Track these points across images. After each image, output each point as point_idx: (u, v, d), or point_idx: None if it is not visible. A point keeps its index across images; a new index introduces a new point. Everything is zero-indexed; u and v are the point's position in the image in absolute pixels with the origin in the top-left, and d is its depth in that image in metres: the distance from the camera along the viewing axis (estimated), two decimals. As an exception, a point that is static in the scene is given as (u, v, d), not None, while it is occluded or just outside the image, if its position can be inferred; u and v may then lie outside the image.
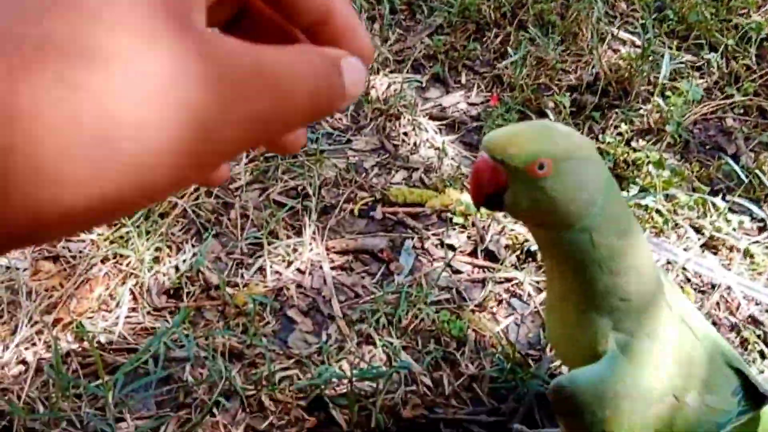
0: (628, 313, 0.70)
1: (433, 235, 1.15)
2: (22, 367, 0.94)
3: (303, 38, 0.31)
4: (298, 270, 1.09)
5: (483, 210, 1.15)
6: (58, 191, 0.22)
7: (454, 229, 1.16)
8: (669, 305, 0.72)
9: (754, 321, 1.03)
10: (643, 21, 1.42)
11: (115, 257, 1.07)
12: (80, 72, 0.22)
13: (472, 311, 1.04)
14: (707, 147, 1.27)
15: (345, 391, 0.94)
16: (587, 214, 0.65)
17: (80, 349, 0.97)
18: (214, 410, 0.91)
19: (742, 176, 1.18)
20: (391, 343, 1.01)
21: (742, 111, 1.32)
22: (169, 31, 0.24)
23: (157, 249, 1.07)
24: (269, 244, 1.10)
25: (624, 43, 1.39)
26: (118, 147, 0.22)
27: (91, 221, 0.23)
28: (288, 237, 1.12)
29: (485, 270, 1.11)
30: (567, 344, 0.78)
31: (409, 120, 1.30)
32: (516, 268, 1.10)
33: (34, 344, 0.97)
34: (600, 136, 1.25)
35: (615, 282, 0.68)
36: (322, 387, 0.95)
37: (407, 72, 1.39)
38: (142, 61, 0.23)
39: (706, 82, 1.36)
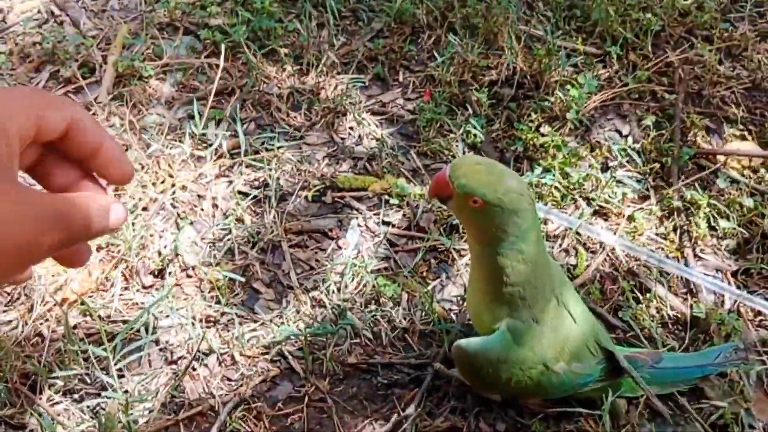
0: (521, 307, 0.95)
1: (375, 214, 1.37)
2: (38, 339, 1.17)
3: (87, 177, 0.47)
4: (262, 249, 1.31)
5: (416, 191, 1.38)
6: None
7: (392, 208, 1.38)
8: (557, 299, 0.98)
9: (632, 273, 1.27)
10: (555, 19, 1.63)
11: (107, 246, 1.29)
12: None
13: (406, 276, 1.27)
14: (605, 129, 1.50)
15: (301, 345, 1.18)
16: (500, 245, 0.91)
17: (84, 322, 1.19)
18: (195, 365, 1.14)
19: (629, 154, 1.41)
20: (339, 306, 1.24)
21: (636, 96, 1.54)
22: (4, 188, 0.38)
23: (143, 237, 1.29)
24: (237, 228, 1.32)
25: (538, 40, 1.61)
26: None
27: None
28: (252, 222, 1.34)
29: (417, 241, 1.34)
30: (476, 319, 1.05)
31: (354, 116, 1.51)
32: (442, 235, 1.33)
33: (47, 320, 1.19)
34: (515, 124, 1.48)
35: (513, 290, 0.94)
36: (283, 343, 1.18)
37: (352, 73, 1.60)
38: None
39: (608, 71, 1.58)
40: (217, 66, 1.59)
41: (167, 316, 1.18)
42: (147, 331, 1.16)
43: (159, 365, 1.15)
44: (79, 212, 0.42)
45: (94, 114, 1.51)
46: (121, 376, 1.12)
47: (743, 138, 1.46)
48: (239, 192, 1.38)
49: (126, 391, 1.10)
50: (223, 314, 1.21)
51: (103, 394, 1.10)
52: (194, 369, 1.14)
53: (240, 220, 1.34)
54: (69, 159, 0.46)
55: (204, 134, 1.45)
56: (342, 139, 1.49)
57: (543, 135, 1.44)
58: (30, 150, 0.44)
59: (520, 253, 0.91)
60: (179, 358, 1.16)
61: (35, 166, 0.46)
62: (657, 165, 1.42)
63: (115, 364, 1.12)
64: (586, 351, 1.01)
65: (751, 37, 1.64)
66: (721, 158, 1.43)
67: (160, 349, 1.17)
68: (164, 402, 1.10)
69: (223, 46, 1.57)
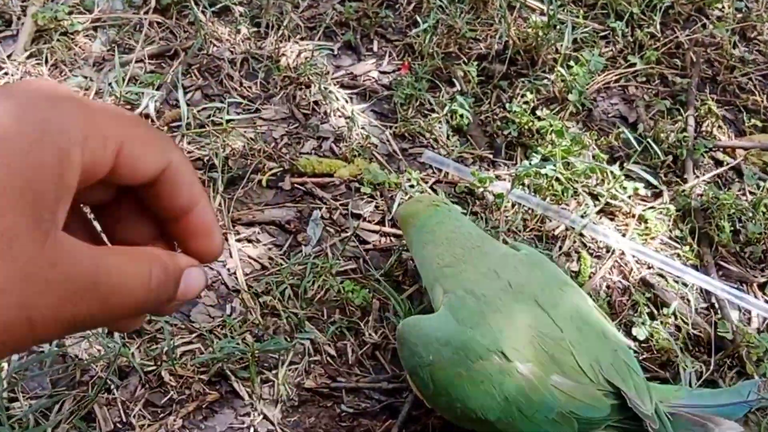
0: (447, 275, 0.86)
1: (342, 205, 1.15)
2: None
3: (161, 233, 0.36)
4: (203, 243, 1.08)
5: (391, 178, 1.17)
6: None
7: (363, 198, 1.16)
8: (510, 284, 0.82)
9: (645, 284, 1.08)
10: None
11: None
12: None
13: (377, 280, 1.06)
14: (609, 115, 1.30)
15: (247, 363, 0.95)
16: (412, 246, 0.97)
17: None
18: (112, 387, 0.90)
19: (638, 145, 1.21)
20: (296, 314, 1.01)
21: (644, 79, 1.35)
22: (28, 238, 0.27)
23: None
24: (173, 217, 1.08)
25: (533, 11, 1.40)
26: None
27: None
28: (193, 209, 1.11)
29: (392, 238, 1.12)
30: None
31: (319, 88, 1.29)
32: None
33: None
34: (507, 105, 1.27)
35: (432, 264, 0.90)
36: (225, 360, 0.95)
37: (319, 39, 1.38)
38: None
39: (611, 50, 1.38)
40: (159, 24, 1.35)
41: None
42: (50, 342, 0.92)
43: (64, 387, 0.91)
44: (125, 282, 0.30)
45: (5, 73, 1.25)
46: (12, 400, 0.88)
47: (765, 130, 1.28)
48: (178, 172, 1.14)
49: (18, 422, 0.86)
50: (149, 322, 0.97)
51: (-12, 424, 0.85)
52: (109, 392, 0.90)
53: (178, 206, 1.10)
54: (145, 211, 0.36)
55: (136, 101, 1.21)
56: (305, 114, 1.27)
57: (540, 119, 1.23)
58: (100, 189, 0.34)
59: (434, 247, 0.92)
60: (92, 377, 0.92)
61: (104, 207, 0.36)
62: (670, 157, 1.22)
63: (8, 384, 0.87)
64: (576, 368, 0.77)
65: (766, 18, 1.46)
66: (741, 152, 1.24)
67: (66, 367, 0.92)
68: (67, 436, 0.86)
69: (166, 1, 1.33)
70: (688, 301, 1.06)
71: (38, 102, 0.29)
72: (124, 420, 0.90)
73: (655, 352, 1.00)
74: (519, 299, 0.80)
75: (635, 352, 1.01)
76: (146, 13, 1.37)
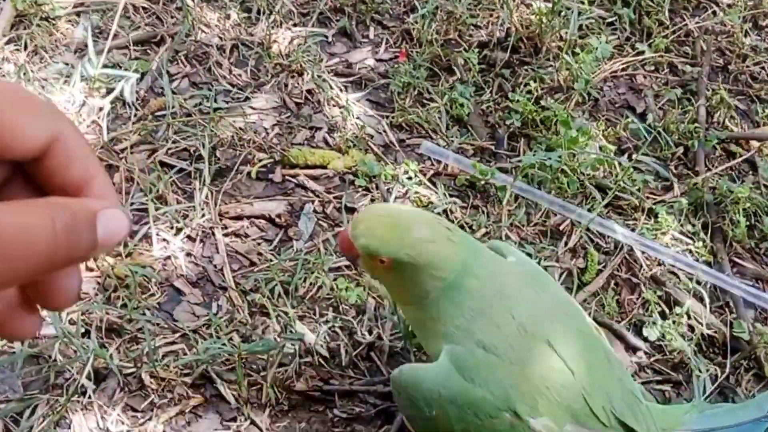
0: (458, 335, 0.73)
1: (335, 198, 1.09)
2: None
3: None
4: (188, 237, 1.02)
5: (387, 170, 1.11)
6: None
7: (357, 191, 1.11)
8: (523, 327, 0.72)
9: (656, 281, 1.02)
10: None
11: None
12: None
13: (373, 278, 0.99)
14: (616, 105, 1.24)
15: (234, 365, 0.89)
16: (428, 301, 0.73)
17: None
18: (88, 390, 0.84)
19: (648, 135, 1.16)
20: (286, 313, 0.95)
21: (653, 68, 1.30)
22: None
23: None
24: (156, 209, 1.03)
25: (536, -3, 1.35)
26: None
27: None
28: (178, 202, 1.05)
29: (388, 234, 1.06)
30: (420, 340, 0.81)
31: (312, 77, 1.23)
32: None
33: None
34: (510, 94, 1.21)
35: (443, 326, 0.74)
36: (210, 362, 0.89)
37: (312, 26, 1.32)
38: None
39: (618, 38, 1.33)
40: (144, 9, 1.29)
41: (50, 322, 0.88)
42: (22, 341, 0.86)
43: (37, 390, 0.85)
44: (20, 232, 0.26)
45: (-20, 59, 1.19)
46: (-20, 406, 0.82)
47: (779, 121, 1.23)
48: (162, 163, 1.08)
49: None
50: (130, 321, 0.91)
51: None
52: (84, 395, 0.84)
53: (161, 198, 1.04)
54: (39, 189, 0.32)
55: (111, 86, 1.14)
56: (297, 104, 1.21)
57: (544, 108, 1.18)
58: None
59: (458, 307, 0.73)
60: (67, 380, 0.86)
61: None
62: (680, 149, 1.17)
63: (-25, 389, 0.81)
64: (589, 413, 0.71)
65: (779, 7, 1.40)
66: (755, 144, 1.18)
67: (40, 368, 0.86)
68: (39, 443, 0.80)
69: (152, -15, 1.27)
70: (702, 299, 1.00)
71: None
72: (101, 425, 0.84)
73: (667, 353, 0.95)
74: (531, 345, 0.72)
75: (646, 353, 0.96)
76: (132, -3, 1.31)
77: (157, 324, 0.93)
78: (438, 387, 0.72)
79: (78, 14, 1.29)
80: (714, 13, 1.38)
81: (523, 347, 0.72)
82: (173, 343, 0.92)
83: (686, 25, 1.34)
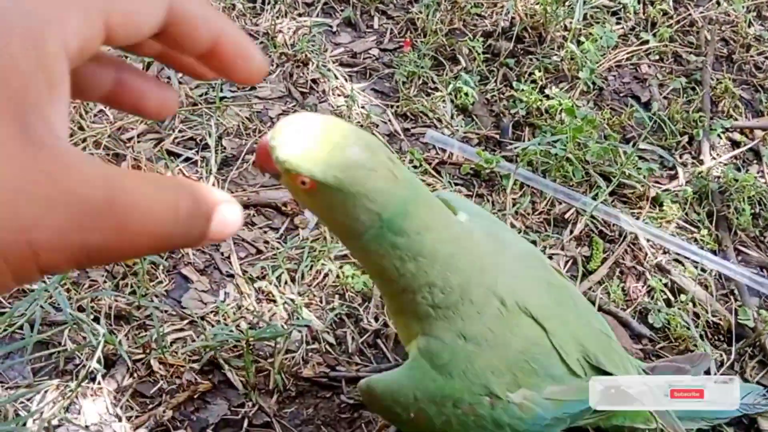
0: (434, 317, 0.66)
1: (341, 187, 1.10)
2: None
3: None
4: (195, 225, 1.02)
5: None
6: None
7: (363, 180, 1.11)
8: (503, 302, 0.68)
9: (661, 269, 1.02)
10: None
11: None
12: None
13: (379, 265, 1.00)
14: (621, 94, 1.25)
15: (242, 352, 0.89)
16: (361, 238, 0.61)
17: (-50, 314, 0.89)
18: (98, 376, 0.85)
19: (654, 123, 1.16)
20: (293, 300, 0.96)
21: (657, 57, 1.30)
22: (14, 147, 0.22)
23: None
24: (163, 198, 1.03)
25: (541, -14, 1.35)
26: None
27: None
28: (184, 191, 1.05)
29: (394, 222, 1.06)
30: (399, 333, 0.76)
31: (317, 66, 1.23)
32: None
33: None
34: (514, 84, 1.22)
35: (413, 297, 0.65)
36: (218, 348, 0.90)
37: (317, 15, 1.32)
38: None
39: (623, 27, 1.33)
40: (150, -1, 1.29)
41: (60, 309, 0.88)
42: (32, 327, 0.86)
43: (45, 376, 0.85)
44: (149, 207, 0.24)
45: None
46: (-10, 391, 0.82)
47: (784, 110, 1.23)
48: (169, 152, 1.09)
49: (-4, 412, 0.80)
50: (138, 308, 0.92)
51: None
52: (94, 381, 0.85)
53: (168, 187, 1.04)
54: (171, 63, 0.32)
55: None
56: (302, 93, 1.21)
57: (549, 97, 1.18)
58: (103, 68, 0.29)
59: (395, 248, 0.62)
60: (77, 366, 0.86)
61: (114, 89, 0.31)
62: (685, 138, 1.17)
63: (-15, 374, 0.82)
64: (566, 371, 0.71)
65: (783, -3, 1.40)
66: (759, 133, 1.19)
67: (50, 354, 0.87)
68: (48, 428, 0.81)
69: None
70: (707, 287, 1.01)
71: None
72: (111, 411, 0.84)
73: (672, 340, 0.95)
74: (511, 322, 0.69)
75: (651, 340, 0.96)
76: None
77: (165, 311, 0.93)
78: (412, 391, 0.69)
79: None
80: (718, 2, 1.38)
81: (503, 327, 0.68)
82: (181, 329, 0.92)
83: (690, 14, 1.34)
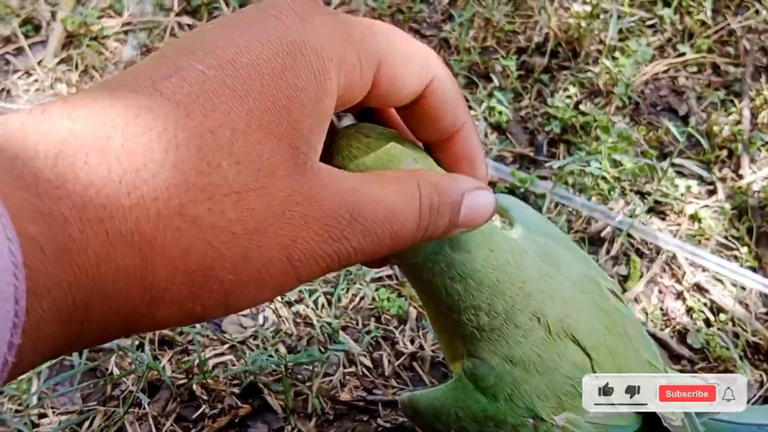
0: (480, 339, 0.66)
1: (376, 208, 1.11)
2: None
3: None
4: (235, 250, 1.05)
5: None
6: (155, 308, 0.23)
7: (398, 201, 1.12)
8: (547, 326, 0.67)
9: (700, 289, 1.01)
10: (595, -24, 1.36)
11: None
12: (199, 206, 0.23)
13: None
14: (658, 108, 1.23)
15: (280, 376, 0.92)
16: (414, 258, 0.57)
17: None
18: (143, 401, 0.88)
19: (694, 138, 1.15)
20: (330, 324, 0.98)
21: (695, 69, 1.28)
22: (286, 171, 0.25)
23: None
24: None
25: (575, 0, 1.34)
26: (215, 276, 0.24)
27: (171, 326, 0.26)
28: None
29: (428, 244, 1.07)
30: (444, 352, 0.77)
31: (352, 88, 1.25)
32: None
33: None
34: (549, 100, 1.21)
35: (460, 318, 0.64)
36: (257, 373, 0.92)
37: (351, 36, 1.34)
38: (253, 198, 0.24)
39: (659, 39, 1.31)
40: (190, 26, 1.33)
41: (107, 337, 0.92)
42: (81, 355, 0.90)
43: (95, 402, 0.89)
44: (392, 209, 0.27)
45: (35, 80, 1.24)
46: (42, 416, 0.86)
47: (827, 122, 1.20)
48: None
49: (48, 438, 0.84)
50: (180, 333, 0.95)
51: (19, 440, 0.84)
52: (139, 407, 0.88)
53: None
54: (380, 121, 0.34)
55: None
56: (337, 116, 1.22)
57: (584, 114, 1.17)
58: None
59: (448, 267, 0.61)
60: (123, 392, 0.90)
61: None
62: (724, 152, 1.15)
63: (38, 400, 0.86)
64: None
65: (826, 2, 1.37)
66: (801, 145, 1.16)
67: (97, 382, 0.90)
68: (98, 452, 0.84)
69: (196, 2, 1.31)
70: (747, 305, 0.99)
71: (289, 21, 0.26)
72: (155, 435, 0.87)
73: (711, 361, 0.94)
74: (557, 348, 0.68)
75: (690, 361, 0.95)
76: (177, 15, 1.35)
77: (207, 336, 0.96)
78: (454, 409, 0.70)
79: (126, 32, 1.33)
80: (757, 11, 1.35)
81: (550, 353, 0.68)
82: (222, 354, 0.95)
83: (729, 24, 1.32)
